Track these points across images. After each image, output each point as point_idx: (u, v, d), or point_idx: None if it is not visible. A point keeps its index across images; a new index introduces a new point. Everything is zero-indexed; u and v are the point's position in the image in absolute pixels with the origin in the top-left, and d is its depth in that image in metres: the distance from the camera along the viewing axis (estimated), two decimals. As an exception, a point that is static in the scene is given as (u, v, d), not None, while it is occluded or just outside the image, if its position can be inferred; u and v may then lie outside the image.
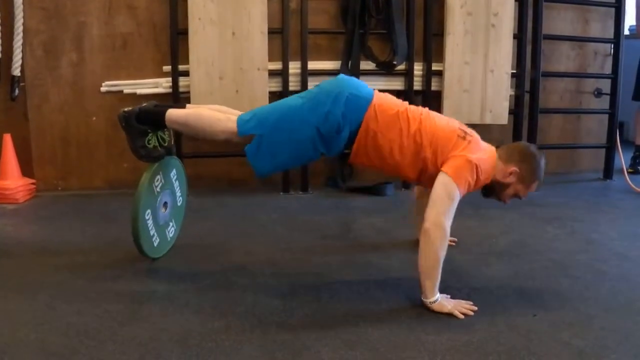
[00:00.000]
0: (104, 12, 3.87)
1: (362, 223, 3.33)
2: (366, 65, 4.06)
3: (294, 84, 3.98)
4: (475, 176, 2.23)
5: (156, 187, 2.57)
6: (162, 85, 3.93)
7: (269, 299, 2.26)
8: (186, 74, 3.83)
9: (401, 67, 4.07)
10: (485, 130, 4.38)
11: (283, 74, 3.94)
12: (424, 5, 4.09)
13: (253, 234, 3.11)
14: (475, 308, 2.16)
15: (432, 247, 2.13)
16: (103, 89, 3.93)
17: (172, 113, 2.45)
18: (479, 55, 4.07)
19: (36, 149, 3.94)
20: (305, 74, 3.96)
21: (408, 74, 4.10)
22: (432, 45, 4.10)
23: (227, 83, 3.82)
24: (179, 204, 2.82)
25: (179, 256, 2.72)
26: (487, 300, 2.25)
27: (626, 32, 5.04)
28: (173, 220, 2.77)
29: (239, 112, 2.48)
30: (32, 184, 3.85)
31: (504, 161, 2.33)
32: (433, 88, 4.15)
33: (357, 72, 3.99)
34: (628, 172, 4.43)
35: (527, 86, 4.30)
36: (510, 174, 2.32)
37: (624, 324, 2.08)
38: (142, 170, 2.56)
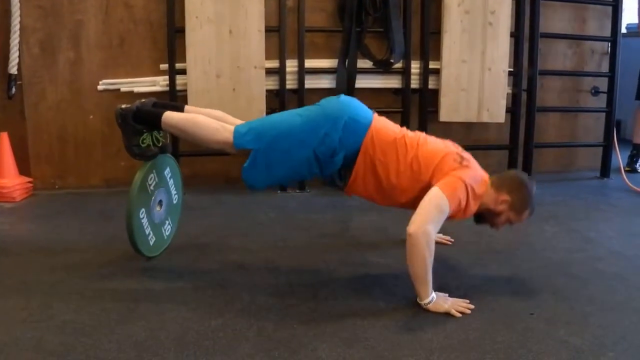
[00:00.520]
0: (101, 10, 3.86)
1: (359, 221, 3.33)
2: (363, 63, 4.06)
3: (291, 82, 3.98)
4: (466, 197, 2.23)
5: (150, 185, 2.57)
6: (159, 83, 3.92)
7: (266, 297, 2.26)
8: (183, 72, 3.82)
9: (398, 65, 4.07)
10: (483, 129, 4.41)
11: (280, 72, 3.94)
12: (421, 3, 4.09)
13: (250, 233, 3.11)
14: (472, 306, 2.17)
15: (419, 253, 2.11)
16: (100, 87, 3.92)
17: (169, 117, 2.44)
18: (476, 54, 4.07)
19: (33, 148, 3.93)
20: (302, 72, 3.96)
21: (405, 72, 4.10)
22: (430, 43, 4.10)
23: (224, 81, 3.81)
24: (174, 202, 2.81)
25: (175, 254, 2.72)
26: (484, 299, 2.25)
27: (623, 30, 5.05)
28: (169, 219, 2.77)
29: (236, 121, 2.48)
30: (29, 182, 3.85)
31: (495, 189, 2.33)
32: (430, 86, 4.15)
33: (354, 71, 3.99)
34: (625, 171, 4.44)
35: (524, 84, 4.30)
36: (502, 202, 2.32)
37: (621, 322, 2.09)
38: (139, 168, 2.56)
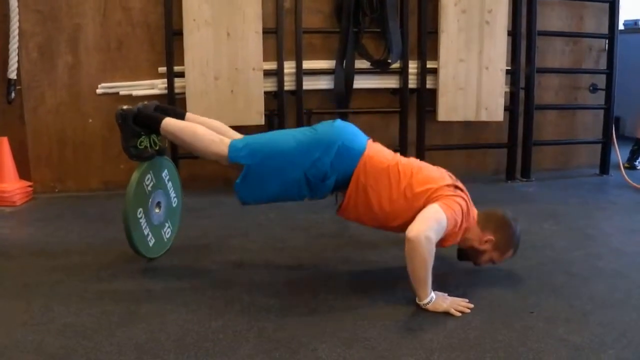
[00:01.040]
0: (99, 13, 3.86)
1: (359, 221, 3.34)
2: (361, 63, 4.07)
3: (289, 83, 3.99)
4: (462, 218, 2.24)
5: (147, 186, 2.58)
6: (157, 86, 3.93)
7: (266, 298, 2.27)
8: (181, 74, 3.83)
9: (396, 65, 4.07)
10: (481, 128, 4.41)
11: (278, 73, 3.94)
12: (417, 3, 4.10)
13: (250, 233, 3.12)
14: (472, 305, 2.17)
15: (419, 255, 2.11)
16: (99, 90, 3.93)
17: (168, 124, 2.47)
18: (473, 53, 4.08)
19: (33, 152, 3.94)
20: (300, 73, 3.97)
21: (403, 72, 4.11)
22: (427, 43, 4.10)
23: (222, 83, 3.82)
24: (174, 205, 2.82)
25: (175, 256, 2.73)
26: (483, 298, 2.26)
27: (621, 27, 5.05)
28: (169, 221, 2.78)
29: (234, 134, 2.51)
30: (29, 186, 3.85)
31: (481, 228, 2.35)
32: (428, 86, 4.16)
33: (351, 71, 4.00)
34: (624, 167, 4.44)
35: (522, 83, 4.31)
36: (486, 242, 2.34)
37: (621, 320, 2.09)
38: (136, 168, 2.57)
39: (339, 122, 2.46)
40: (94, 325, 2.04)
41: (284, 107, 3.97)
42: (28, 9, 3.77)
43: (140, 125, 2.49)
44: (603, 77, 4.54)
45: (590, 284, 2.42)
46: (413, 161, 2.43)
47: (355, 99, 4.09)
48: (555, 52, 4.55)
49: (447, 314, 2.12)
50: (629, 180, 4.21)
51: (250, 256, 2.76)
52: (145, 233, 2.57)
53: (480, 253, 2.37)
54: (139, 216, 2.52)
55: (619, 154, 4.44)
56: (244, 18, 3.79)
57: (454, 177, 2.40)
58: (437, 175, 2.36)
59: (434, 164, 2.48)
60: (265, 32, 3.87)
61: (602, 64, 4.60)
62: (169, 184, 2.77)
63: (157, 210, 2.66)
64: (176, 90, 3.87)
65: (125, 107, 2.49)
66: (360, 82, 4.08)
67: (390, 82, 4.16)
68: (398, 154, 2.45)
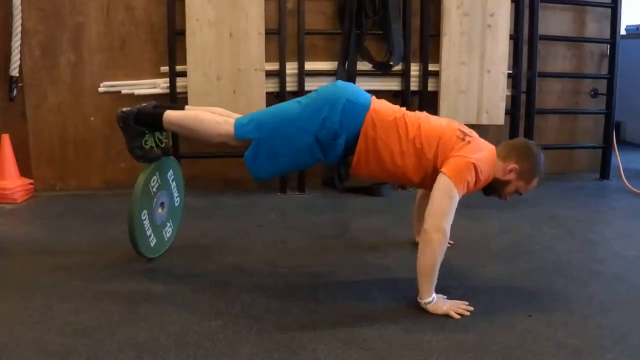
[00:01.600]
0: (102, 12, 3.87)
1: (359, 223, 3.34)
2: (363, 65, 4.07)
3: (291, 84, 3.99)
4: (474, 176, 2.23)
5: (152, 187, 2.58)
6: (159, 85, 3.93)
7: (266, 299, 2.27)
8: (184, 74, 3.84)
9: (398, 67, 4.08)
10: (482, 131, 4.39)
11: (280, 74, 3.95)
12: (420, 5, 4.10)
13: (250, 234, 3.12)
14: (471, 308, 2.17)
15: (431, 250, 2.14)
16: (101, 89, 3.94)
17: (170, 115, 2.46)
18: (475, 56, 4.08)
19: (34, 149, 3.95)
20: (302, 74, 3.97)
21: (404, 75, 4.11)
22: (429, 45, 4.11)
23: (224, 83, 3.82)
24: (176, 204, 2.82)
25: (175, 256, 2.73)
26: (483, 300, 2.26)
27: (623, 32, 5.06)
28: (170, 221, 2.78)
29: (236, 115, 2.49)
30: (30, 184, 3.86)
31: (502, 159, 2.34)
32: (429, 89, 4.16)
33: (353, 73, 4.00)
34: None
35: (523, 86, 4.31)
36: (510, 171, 2.33)
37: (620, 324, 2.09)
38: (139, 170, 2.57)
39: (340, 82, 2.48)
40: (94, 324, 2.04)
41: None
42: (31, 7, 3.77)
43: (142, 124, 2.48)
44: (604, 82, 4.54)
45: (590, 288, 2.42)
46: (419, 113, 2.44)
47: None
48: (556, 57, 4.56)
49: (446, 316, 2.12)
50: (629, 186, 4.21)
51: (251, 257, 2.77)
52: (148, 234, 2.58)
53: (505, 184, 2.36)
54: (143, 217, 2.52)
55: (620, 159, 4.45)
56: (246, 18, 3.79)
57: (462, 126, 2.40)
58: (444, 123, 2.37)
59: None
60: (268, 32, 3.87)
61: (604, 69, 4.61)
62: (173, 184, 2.78)
63: (160, 211, 2.67)
64: (178, 90, 3.88)
65: (124, 109, 2.49)
66: (362, 84, 4.07)
67: (392, 85, 4.17)
68: (404, 108, 2.45)
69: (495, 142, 4.39)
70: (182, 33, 3.79)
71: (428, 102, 4.15)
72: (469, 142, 2.29)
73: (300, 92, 3.98)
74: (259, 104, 3.86)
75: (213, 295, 2.31)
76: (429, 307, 2.15)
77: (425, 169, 2.31)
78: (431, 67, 4.13)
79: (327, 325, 2.06)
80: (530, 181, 2.37)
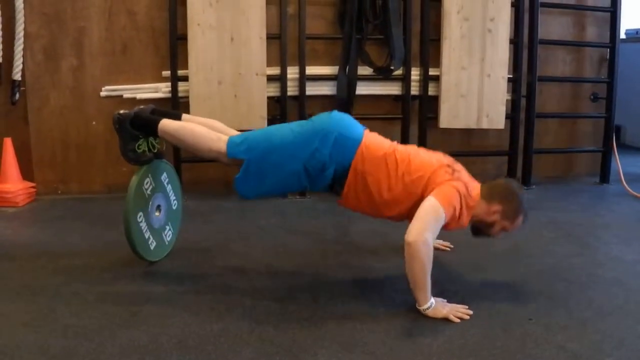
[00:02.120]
0: (104, 17, 3.89)
1: (359, 227, 3.34)
2: (363, 70, 4.08)
3: (292, 89, 4.01)
4: (460, 205, 2.25)
5: (146, 189, 2.59)
6: (161, 90, 3.95)
7: (267, 302, 2.28)
8: (185, 79, 3.85)
9: (398, 72, 4.09)
10: (482, 135, 4.43)
11: (281, 79, 3.97)
12: (420, 10, 4.11)
13: (251, 238, 3.13)
14: (471, 312, 2.18)
15: (419, 261, 2.13)
16: (103, 93, 3.95)
17: (166, 124, 2.49)
18: (475, 60, 4.10)
19: (36, 153, 3.96)
20: (303, 79, 3.99)
21: (405, 79, 4.13)
22: (429, 50, 4.12)
23: (225, 88, 3.84)
24: (174, 207, 2.83)
25: (177, 259, 2.74)
26: (482, 304, 2.27)
27: (622, 36, 5.07)
28: (169, 224, 2.79)
29: (232, 132, 2.52)
30: (32, 187, 3.87)
31: (486, 200, 2.35)
32: (430, 93, 4.17)
33: (354, 78, 4.01)
34: None
35: (523, 91, 4.32)
36: (494, 212, 2.34)
37: (620, 328, 2.10)
38: (135, 172, 2.59)
39: (335, 113, 2.49)
40: (96, 327, 2.05)
41: (286, 112, 3.98)
42: (33, 12, 3.79)
43: (138, 129, 2.52)
44: (604, 86, 4.55)
45: (589, 292, 2.43)
46: (410, 148, 2.45)
47: (358, 105, 4.10)
48: (556, 61, 4.57)
49: (446, 320, 2.13)
50: (629, 190, 4.22)
51: (251, 260, 2.78)
52: (146, 237, 2.59)
53: (491, 224, 2.37)
54: (139, 219, 2.53)
55: (619, 163, 4.45)
56: (248, 23, 3.81)
57: (451, 160, 2.41)
58: (433, 159, 2.38)
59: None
60: (269, 37, 3.89)
61: (604, 73, 4.61)
62: (169, 187, 2.79)
63: (157, 214, 2.68)
64: (180, 94, 3.89)
65: (122, 111, 2.52)
66: (362, 89, 4.10)
67: (392, 89, 4.18)
68: (395, 142, 2.47)
69: (494, 146, 4.41)
70: (183, 38, 3.80)
71: (428, 106, 4.17)
72: (457, 178, 2.31)
73: (302, 96, 4.00)
74: (260, 109, 3.88)
75: (214, 298, 2.32)
76: (429, 312, 2.16)
77: (412, 204, 2.30)
78: (432, 72, 4.14)
79: (328, 329, 2.07)
80: (515, 220, 2.37)
